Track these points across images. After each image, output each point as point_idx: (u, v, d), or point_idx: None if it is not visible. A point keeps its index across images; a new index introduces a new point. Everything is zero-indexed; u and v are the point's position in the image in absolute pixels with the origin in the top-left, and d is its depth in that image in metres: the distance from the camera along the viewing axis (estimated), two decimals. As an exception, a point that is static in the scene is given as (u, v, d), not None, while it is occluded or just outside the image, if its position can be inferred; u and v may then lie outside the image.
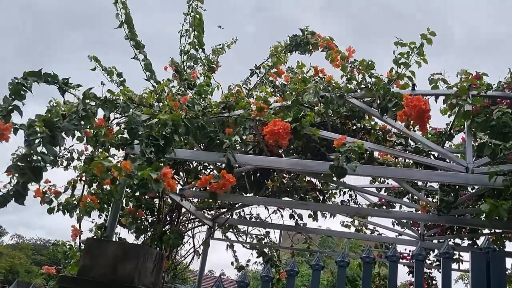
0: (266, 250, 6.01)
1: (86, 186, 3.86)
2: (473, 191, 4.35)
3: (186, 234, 5.17)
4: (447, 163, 3.42)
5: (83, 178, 3.90)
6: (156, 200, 4.37)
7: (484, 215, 3.00)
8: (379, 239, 5.66)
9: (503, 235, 4.97)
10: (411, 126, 3.13)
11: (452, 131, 4.06)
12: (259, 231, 5.92)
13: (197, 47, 4.36)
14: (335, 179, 3.02)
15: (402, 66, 3.48)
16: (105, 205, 3.83)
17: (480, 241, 5.48)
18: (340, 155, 2.90)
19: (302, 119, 3.21)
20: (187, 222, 5.39)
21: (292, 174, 5.02)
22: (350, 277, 12.25)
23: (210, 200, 4.75)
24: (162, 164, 2.84)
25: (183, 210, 4.73)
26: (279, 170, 4.61)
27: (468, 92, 3.27)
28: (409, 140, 3.99)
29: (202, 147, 4.07)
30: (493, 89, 3.36)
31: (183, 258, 5.41)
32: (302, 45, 4.37)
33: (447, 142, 4.33)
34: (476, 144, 3.35)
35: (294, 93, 3.55)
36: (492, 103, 3.50)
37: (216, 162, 4.06)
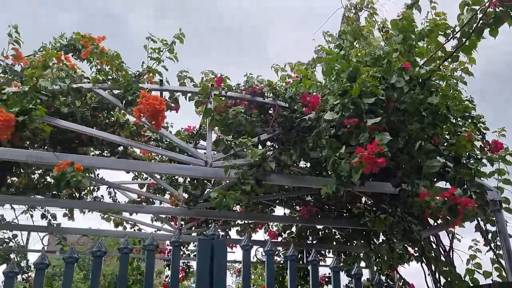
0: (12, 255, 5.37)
1: None
2: (223, 184, 4.69)
3: None
4: (191, 158, 3.58)
5: None
6: None
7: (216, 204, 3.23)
8: (139, 235, 5.63)
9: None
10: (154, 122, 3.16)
11: (202, 129, 4.30)
12: (3, 234, 5.27)
13: None
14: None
15: (154, 61, 3.57)
16: None
17: (232, 232, 6.02)
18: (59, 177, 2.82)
19: (33, 112, 2.90)
20: None
21: (42, 169, 4.60)
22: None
23: None
24: None
25: None
26: (24, 164, 4.15)
27: (210, 91, 3.51)
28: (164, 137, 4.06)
29: None
30: (232, 90, 3.68)
31: None
32: (72, 49, 3.83)
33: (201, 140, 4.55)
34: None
35: (34, 78, 3.21)
36: (235, 104, 3.85)
37: None
